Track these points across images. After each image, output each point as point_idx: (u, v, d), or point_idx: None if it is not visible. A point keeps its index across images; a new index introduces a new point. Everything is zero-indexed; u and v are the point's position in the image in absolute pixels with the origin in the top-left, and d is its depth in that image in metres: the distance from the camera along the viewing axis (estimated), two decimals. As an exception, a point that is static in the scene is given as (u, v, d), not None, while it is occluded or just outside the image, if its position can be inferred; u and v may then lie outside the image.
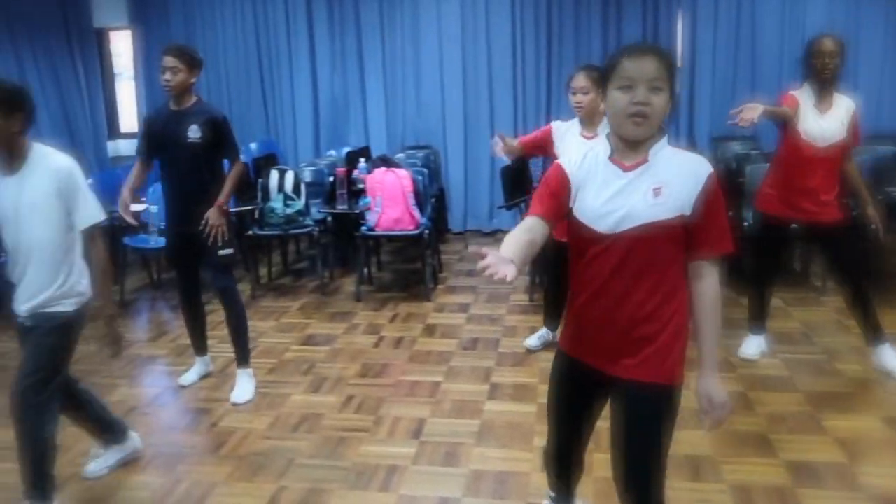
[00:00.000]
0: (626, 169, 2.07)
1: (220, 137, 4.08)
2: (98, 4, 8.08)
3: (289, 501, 3.24)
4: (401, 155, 7.17)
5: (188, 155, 4.02)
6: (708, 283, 2.11)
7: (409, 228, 5.89)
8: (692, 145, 7.29)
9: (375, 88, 8.00)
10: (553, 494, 2.75)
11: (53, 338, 3.07)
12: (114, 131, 8.55)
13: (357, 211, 6.04)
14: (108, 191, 6.58)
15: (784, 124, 4.13)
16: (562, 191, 2.12)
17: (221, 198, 4.10)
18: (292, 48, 8.04)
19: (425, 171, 6.52)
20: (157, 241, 5.82)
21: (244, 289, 6.24)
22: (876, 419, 3.79)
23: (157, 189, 5.64)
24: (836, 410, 3.88)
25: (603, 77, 2.08)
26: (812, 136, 4.06)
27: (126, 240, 6.12)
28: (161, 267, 6.55)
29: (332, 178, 6.41)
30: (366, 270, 6.35)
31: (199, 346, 4.53)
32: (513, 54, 7.65)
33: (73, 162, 3.03)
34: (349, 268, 6.73)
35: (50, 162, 2.97)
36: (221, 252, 4.14)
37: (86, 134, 7.70)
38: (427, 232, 5.93)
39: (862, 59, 6.91)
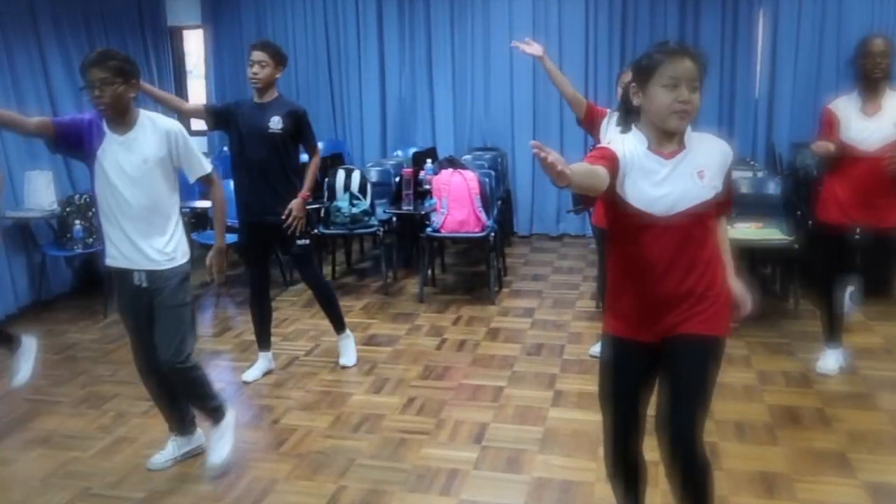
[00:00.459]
0: (666, 157, 2.26)
1: (299, 130, 4.26)
2: (172, 4, 8.23)
3: (348, 501, 3.22)
4: (467, 156, 7.12)
5: (268, 146, 4.18)
6: (722, 228, 2.46)
7: (474, 231, 5.82)
8: (770, 151, 7.06)
9: (443, 89, 7.96)
10: None
11: (181, 294, 3.26)
12: (187, 125, 8.66)
13: (422, 212, 6.01)
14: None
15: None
16: (614, 165, 2.22)
17: (305, 190, 4.30)
18: (361, 48, 8.06)
19: (492, 173, 6.45)
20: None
21: (307, 287, 6.27)
22: (966, 442, 3.58)
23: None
24: (923, 431, 3.68)
25: (639, 74, 2.25)
26: (859, 141, 3.96)
27: (193, 235, 6.21)
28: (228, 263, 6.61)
29: (398, 179, 6.40)
30: (429, 272, 6.31)
31: (264, 341, 4.58)
32: (585, 55, 7.51)
33: (179, 124, 3.24)
34: (413, 269, 6.70)
35: (159, 125, 3.18)
36: (299, 242, 4.34)
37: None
38: (493, 235, 5.86)
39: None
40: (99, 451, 3.72)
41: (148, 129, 3.15)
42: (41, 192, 5.84)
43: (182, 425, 3.57)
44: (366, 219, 6.18)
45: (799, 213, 5.41)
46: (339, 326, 4.72)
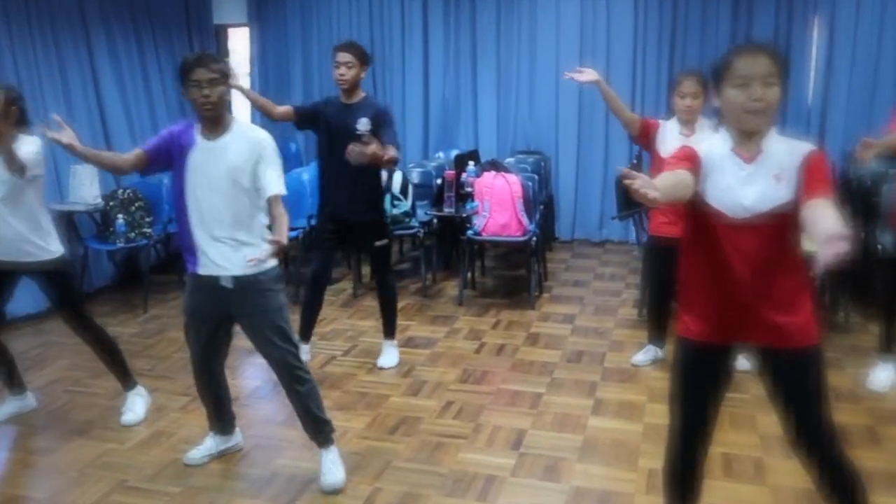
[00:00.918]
0: (746, 160, 2.26)
1: (383, 128, 4.28)
2: (219, 2, 8.30)
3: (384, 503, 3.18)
4: (510, 159, 7.05)
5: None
6: (821, 205, 2.14)
7: (516, 235, 5.76)
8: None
9: (488, 91, 7.90)
10: None
11: (275, 297, 3.24)
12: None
13: (464, 215, 5.96)
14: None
15: None
16: (697, 166, 2.25)
17: (385, 155, 4.11)
18: (406, 47, 8.03)
19: (535, 177, 6.37)
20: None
21: (345, 287, 6.27)
22: None
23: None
24: (981, 453, 3.53)
25: (714, 77, 2.27)
26: None
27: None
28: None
29: (439, 181, 6.36)
30: (469, 275, 6.25)
31: (308, 332, 4.68)
32: (633, 59, 7.39)
33: (270, 137, 3.20)
34: (452, 271, 6.65)
35: (251, 133, 3.16)
36: (377, 243, 4.50)
37: (200, 125, 7.89)
38: (534, 239, 5.78)
39: None
40: (136, 444, 3.73)
41: (239, 136, 3.11)
42: (85, 186, 5.91)
43: (223, 425, 3.57)
44: (406, 220, 6.14)
45: (852, 224, 5.24)
46: (390, 332, 4.77)
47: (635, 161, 6.25)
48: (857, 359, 4.52)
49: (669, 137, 4.23)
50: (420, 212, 6.41)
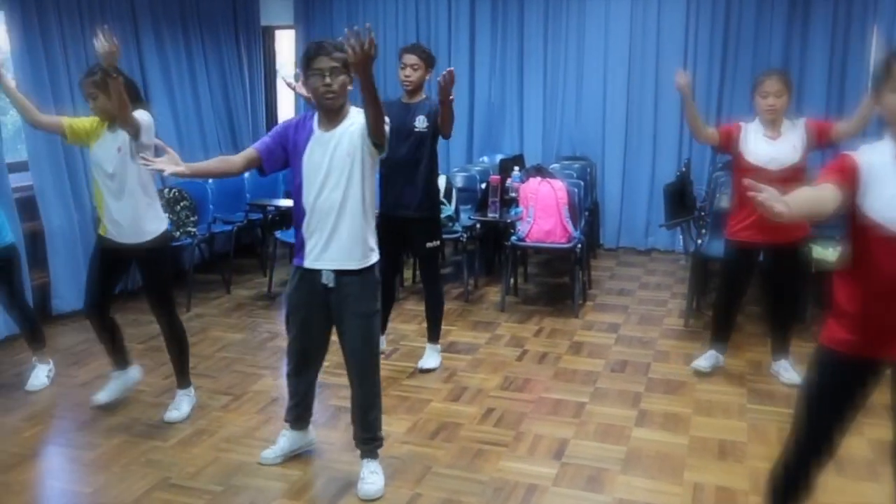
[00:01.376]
0: None
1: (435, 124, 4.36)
2: (266, 3, 8.37)
3: (423, 510, 3.15)
4: (555, 165, 6.98)
5: (414, 145, 4.38)
6: None
7: (560, 241, 5.69)
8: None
9: (534, 95, 7.83)
10: None
11: (372, 301, 3.24)
12: (272, 127, 8.75)
13: (508, 220, 5.92)
14: (262, 184, 6.80)
15: None
16: (852, 179, 2.14)
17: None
18: (452, 50, 7.98)
19: (581, 183, 6.30)
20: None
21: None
22: None
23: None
24: None
25: (874, 81, 2.21)
26: None
27: (277, 234, 6.27)
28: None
29: (483, 185, 6.32)
30: (512, 281, 6.20)
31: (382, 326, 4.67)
32: (683, 65, 7.20)
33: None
34: (494, 277, 6.61)
35: (362, 119, 3.04)
36: (428, 245, 4.54)
37: (245, 128, 7.95)
38: (579, 246, 5.71)
39: None
40: (178, 442, 3.75)
41: (355, 123, 3.05)
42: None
43: (302, 422, 3.56)
44: (450, 224, 6.11)
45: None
46: (434, 336, 4.76)
47: (684, 169, 6.14)
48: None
49: (752, 140, 4.17)
50: (463, 216, 6.38)
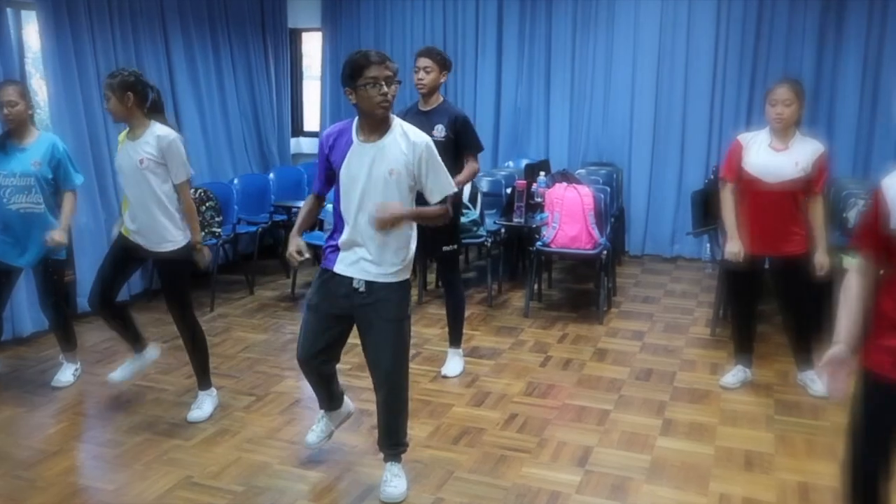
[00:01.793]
0: None
1: (461, 135, 4.35)
2: (293, 6, 8.39)
3: (445, 516, 3.12)
4: (581, 171, 6.93)
5: None
6: None
7: (586, 247, 5.65)
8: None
9: (561, 101, 7.77)
10: None
11: (402, 308, 3.22)
12: (297, 129, 8.82)
13: (533, 225, 5.88)
14: (287, 186, 6.82)
15: None
16: (883, 220, 2.16)
17: (459, 177, 4.29)
18: (479, 54, 7.95)
19: (607, 189, 6.25)
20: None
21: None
22: None
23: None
24: None
25: None
26: None
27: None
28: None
29: (508, 190, 6.29)
30: (536, 287, 6.16)
31: None
32: (713, 74, 7.15)
33: (429, 138, 3.12)
34: (518, 282, 6.57)
35: (412, 136, 3.05)
36: (445, 248, 4.51)
37: (271, 129, 7.97)
38: (605, 253, 5.66)
39: None
40: (201, 442, 3.75)
41: (399, 137, 3.02)
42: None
43: (334, 402, 3.51)
44: (474, 229, 6.09)
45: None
46: (455, 340, 4.72)
47: (712, 176, 6.07)
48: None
49: (755, 151, 4.09)
50: (488, 221, 6.36)
